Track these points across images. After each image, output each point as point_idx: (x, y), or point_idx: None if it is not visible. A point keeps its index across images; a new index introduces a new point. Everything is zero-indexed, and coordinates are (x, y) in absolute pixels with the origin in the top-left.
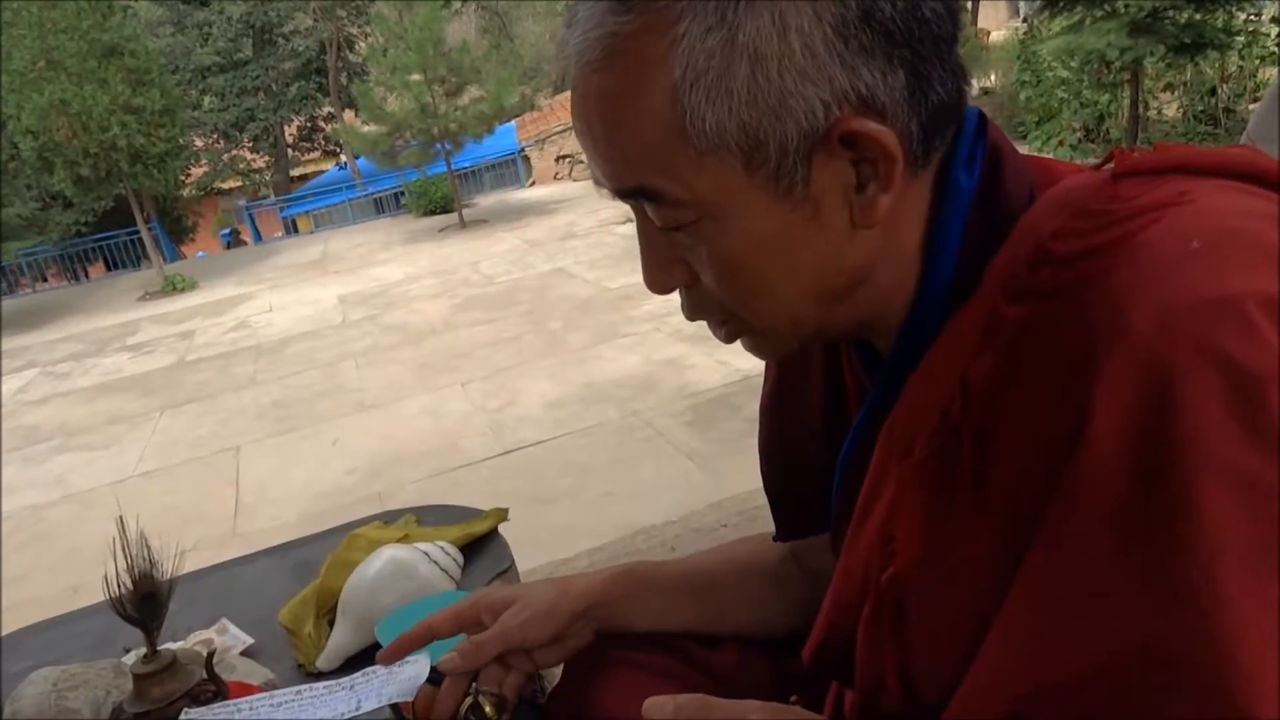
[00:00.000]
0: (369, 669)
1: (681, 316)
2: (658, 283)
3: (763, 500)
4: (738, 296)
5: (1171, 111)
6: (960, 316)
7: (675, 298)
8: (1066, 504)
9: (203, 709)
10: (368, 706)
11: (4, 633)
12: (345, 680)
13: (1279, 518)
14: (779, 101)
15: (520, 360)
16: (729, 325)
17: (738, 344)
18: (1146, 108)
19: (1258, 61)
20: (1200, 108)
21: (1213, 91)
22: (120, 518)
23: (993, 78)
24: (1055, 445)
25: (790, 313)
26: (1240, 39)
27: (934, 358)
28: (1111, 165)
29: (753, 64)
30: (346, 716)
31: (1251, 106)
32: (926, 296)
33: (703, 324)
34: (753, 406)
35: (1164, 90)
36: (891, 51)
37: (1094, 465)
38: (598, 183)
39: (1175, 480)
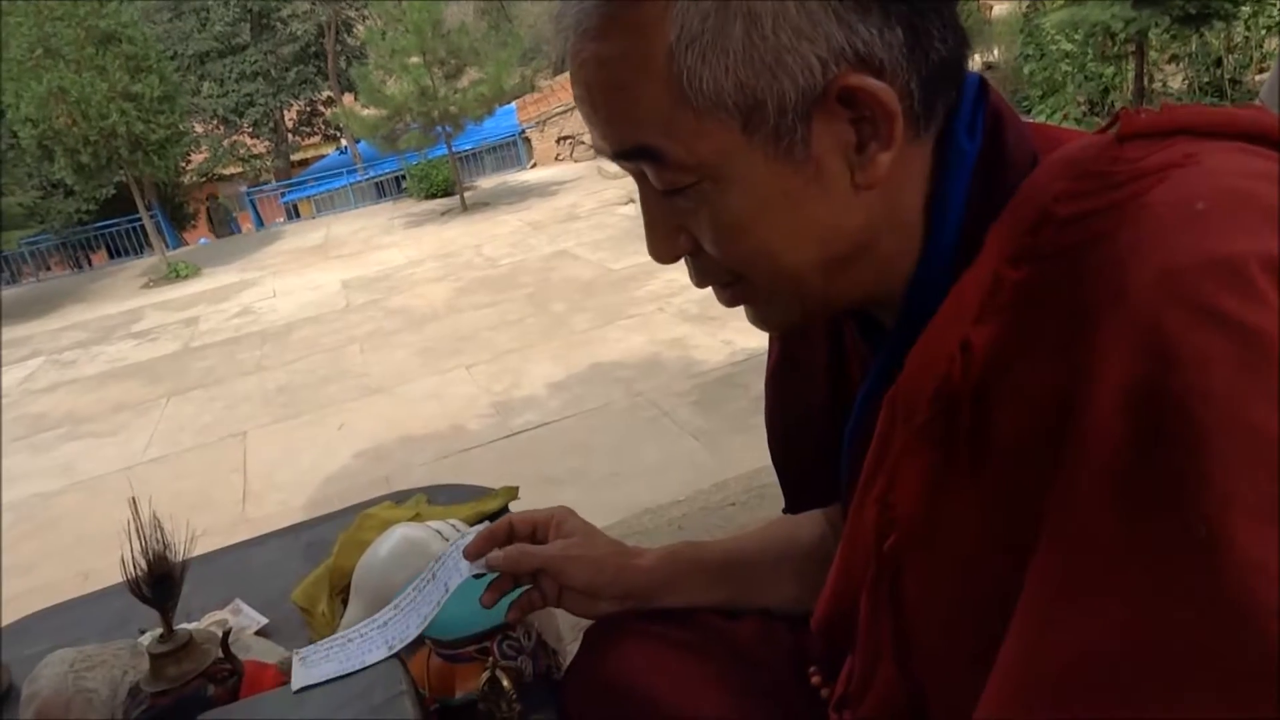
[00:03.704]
0: (442, 555)
1: (685, 297)
2: (661, 251)
3: (769, 478)
4: (741, 260)
5: (1177, 83)
6: (963, 281)
7: (681, 278)
8: (1070, 473)
9: (313, 645)
10: (454, 584)
11: (17, 619)
12: (426, 574)
13: None
14: (775, 59)
15: (524, 343)
16: (733, 288)
17: (744, 323)
18: (1151, 80)
19: (1263, 31)
20: (1206, 79)
21: (1218, 62)
22: (133, 499)
23: (995, 52)
24: (1053, 410)
25: (795, 279)
26: (1246, 9)
27: (937, 323)
28: (1117, 127)
29: (748, 22)
30: (445, 599)
31: (1258, 77)
32: (930, 263)
33: (707, 305)
34: (758, 385)
35: (1169, 62)
36: (888, 7)
37: (1094, 429)
38: (599, 149)
39: (1175, 438)
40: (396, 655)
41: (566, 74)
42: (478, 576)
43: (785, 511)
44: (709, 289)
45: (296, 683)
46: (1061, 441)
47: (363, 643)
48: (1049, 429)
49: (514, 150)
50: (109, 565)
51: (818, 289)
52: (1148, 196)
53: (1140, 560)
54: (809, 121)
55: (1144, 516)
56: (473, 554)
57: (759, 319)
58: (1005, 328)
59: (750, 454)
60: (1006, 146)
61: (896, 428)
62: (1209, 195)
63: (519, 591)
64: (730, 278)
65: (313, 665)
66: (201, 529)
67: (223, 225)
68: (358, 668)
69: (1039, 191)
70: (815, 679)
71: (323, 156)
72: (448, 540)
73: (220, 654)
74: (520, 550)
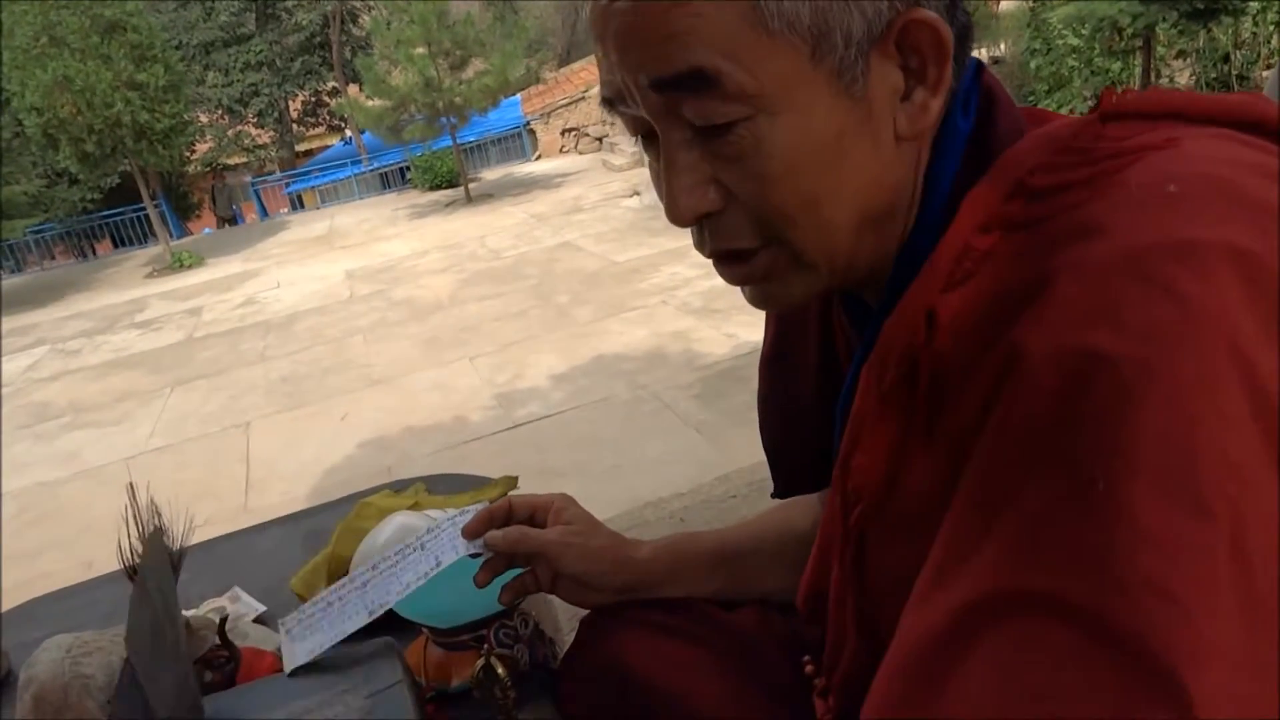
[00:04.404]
0: (433, 527)
1: (689, 290)
2: (688, 204)
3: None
4: (785, 206)
5: (1184, 79)
6: (938, 250)
7: (685, 271)
8: (993, 429)
9: (296, 612)
10: (447, 561)
11: (18, 604)
12: (414, 541)
13: (1212, 461)
14: None
15: (528, 334)
16: (755, 256)
17: (748, 316)
18: (1159, 75)
19: (1272, 27)
20: (1213, 75)
21: (1226, 58)
22: (130, 485)
23: (1002, 47)
24: (995, 372)
25: (832, 231)
26: (1254, 4)
27: (910, 292)
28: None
29: None
30: (433, 573)
31: (1265, 73)
32: (917, 238)
33: (710, 298)
34: None
35: (1176, 57)
36: None
37: (1025, 383)
38: (615, 99)
39: (1102, 398)
40: (394, 644)
41: (572, 66)
42: (474, 556)
43: (774, 495)
44: (712, 282)
45: (289, 664)
46: (997, 400)
47: (343, 607)
48: (989, 394)
49: (519, 142)
50: (112, 554)
51: (847, 247)
52: (1122, 175)
53: (1029, 505)
54: (868, 59)
55: (1047, 465)
56: (471, 532)
57: (765, 296)
58: (969, 295)
59: (752, 447)
60: (997, 126)
61: (869, 397)
62: (1182, 179)
63: (512, 574)
64: (755, 241)
65: (300, 639)
66: (204, 518)
67: (225, 207)
68: (342, 637)
69: (1016, 163)
70: (809, 668)
71: (327, 147)
72: None
73: (217, 640)
74: (519, 532)
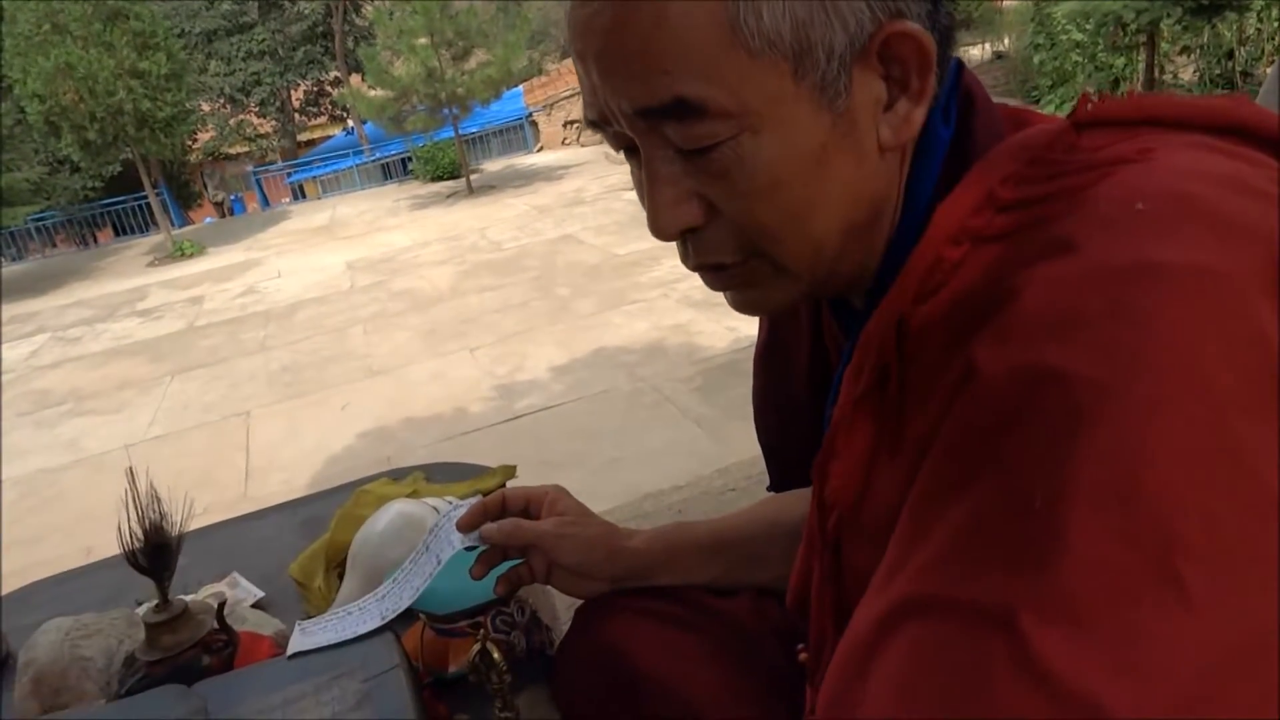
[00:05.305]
0: (433, 527)
1: (690, 283)
2: (672, 221)
3: None
4: (770, 221)
5: (1188, 75)
6: (911, 260)
7: (687, 266)
8: (948, 434)
9: (316, 618)
10: (446, 556)
11: (18, 588)
12: (420, 546)
13: (1156, 487)
14: (832, 2)
15: (528, 326)
16: (735, 269)
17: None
18: (1162, 71)
19: (1276, 24)
20: (1217, 71)
21: (1230, 54)
22: (130, 469)
23: (1006, 41)
24: (954, 384)
25: (816, 243)
26: (1258, 1)
27: (886, 302)
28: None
29: None
30: (437, 571)
31: (1270, 69)
32: (900, 245)
33: (711, 291)
34: None
35: (1180, 53)
36: None
37: (979, 395)
38: (601, 121)
39: (1052, 413)
40: (391, 630)
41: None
42: (469, 549)
43: (770, 489)
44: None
45: (292, 648)
46: (952, 410)
47: (360, 615)
48: (948, 401)
49: (520, 134)
50: (111, 540)
51: (829, 258)
52: (1092, 190)
53: (967, 512)
54: (850, 72)
55: (990, 474)
56: (465, 526)
57: (747, 301)
58: (938, 305)
59: (752, 440)
60: (974, 131)
61: (846, 403)
62: (1152, 196)
63: (508, 565)
64: (738, 255)
65: (310, 634)
66: (204, 507)
67: (219, 190)
68: (351, 636)
69: (988, 173)
70: (802, 656)
71: (329, 137)
72: None
73: (216, 624)
74: (514, 524)
